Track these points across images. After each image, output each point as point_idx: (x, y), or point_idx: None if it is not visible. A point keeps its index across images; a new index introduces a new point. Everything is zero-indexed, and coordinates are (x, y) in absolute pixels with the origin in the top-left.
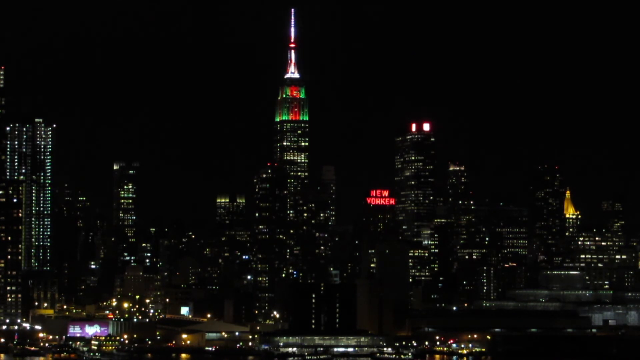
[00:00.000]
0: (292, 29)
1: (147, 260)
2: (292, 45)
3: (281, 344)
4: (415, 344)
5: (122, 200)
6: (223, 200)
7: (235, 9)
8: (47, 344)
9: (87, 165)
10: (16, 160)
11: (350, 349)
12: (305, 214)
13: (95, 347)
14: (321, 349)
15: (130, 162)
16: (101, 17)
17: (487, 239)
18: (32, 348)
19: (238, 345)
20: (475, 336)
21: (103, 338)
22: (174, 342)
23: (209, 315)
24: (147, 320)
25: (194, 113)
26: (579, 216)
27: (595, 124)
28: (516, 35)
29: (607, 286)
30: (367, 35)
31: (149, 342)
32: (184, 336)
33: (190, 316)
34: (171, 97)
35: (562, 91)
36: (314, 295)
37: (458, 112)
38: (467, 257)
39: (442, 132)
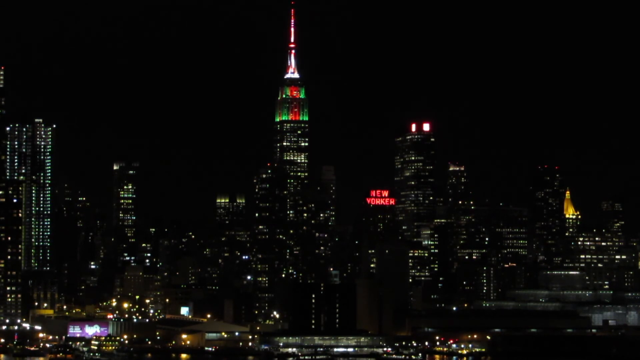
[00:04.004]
0: (292, 29)
1: (147, 260)
2: (292, 46)
3: (281, 344)
4: (415, 344)
5: (122, 200)
6: (223, 200)
7: (235, 9)
8: (47, 344)
9: (87, 165)
10: (16, 160)
11: (350, 349)
12: (305, 214)
13: (95, 347)
14: (321, 349)
15: (130, 162)
16: (101, 17)
17: (487, 239)
18: (32, 348)
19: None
20: (475, 336)
21: (103, 338)
22: (174, 342)
23: (209, 315)
24: (147, 320)
25: (194, 113)
26: (579, 216)
27: (595, 124)
28: (516, 35)
29: (607, 286)
30: (367, 35)
31: (149, 342)
32: (184, 336)
33: (190, 316)
34: (171, 97)
35: (561, 91)
36: (314, 295)
37: (458, 112)
38: (467, 257)
39: (442, 132)
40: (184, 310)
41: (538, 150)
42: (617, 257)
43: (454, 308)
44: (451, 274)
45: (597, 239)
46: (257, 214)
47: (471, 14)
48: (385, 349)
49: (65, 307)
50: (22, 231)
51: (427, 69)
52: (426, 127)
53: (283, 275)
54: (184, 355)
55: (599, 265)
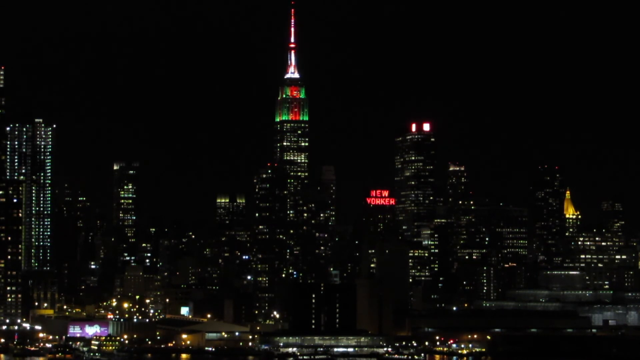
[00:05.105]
0: (292, 29)
1: (147, 260)
2: (292, 46)
3: (281, 344)
4: (415, 344)
5: (122, 200)
6: (223, 200)
7: (235, 9)
8: (47, 344)
9: (87, 165)
10: (16, 160)
11: (350, 349)
12: (305, 214)
13: (95, 347)
14: (321, 349)
15: (130, 162)
16: (101, 18)
17: (487, 239)
18: (32, 348)
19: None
20: (475, 336)
21: (103, 338)
22: (174, 342)
23: (209, 315)
24: (147, 320)
25: (194, 113)
26: (579, 216)
27: (595, 123)
28: (516, 35)
29: (607, 286)
30: (367, 35)
31: (149, 342)
32: (184, 336)
33: (190, 316)
34: (171, 97)
35: (562, 91)
36: (314, 295)
37: (458, 112)
38: (467, 257)
39: (442, 132)
40: (184, 310)
41: (538, 150)
42: (617, 257)
43: (454, 308)
44: (451, 274)
45: (597, 239)
46: (257, 214)
47: (471, 14)
48: (386, 348)
49: (65, 307)
50: (22, 231)
51: (427, 69)
52: (426, 127)
53: (283, 275)
54: (184, 355)
55: (599, 265)
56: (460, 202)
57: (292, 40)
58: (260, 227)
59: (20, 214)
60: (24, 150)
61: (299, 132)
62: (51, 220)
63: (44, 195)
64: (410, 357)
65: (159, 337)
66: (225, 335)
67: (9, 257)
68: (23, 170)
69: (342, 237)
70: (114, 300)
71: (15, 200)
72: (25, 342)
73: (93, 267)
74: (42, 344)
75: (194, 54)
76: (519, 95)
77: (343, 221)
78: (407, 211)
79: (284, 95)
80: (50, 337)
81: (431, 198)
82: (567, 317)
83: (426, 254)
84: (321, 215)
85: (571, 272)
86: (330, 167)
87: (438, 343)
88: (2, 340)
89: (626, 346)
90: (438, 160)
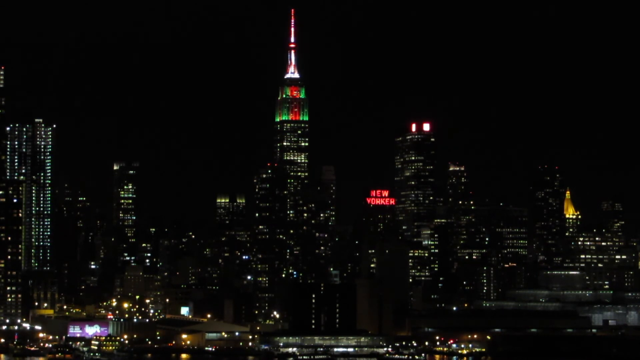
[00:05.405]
0: (292, 29)
1: (147, 260)
2: (292, 46)
3: (281, 344)
4: (415, 344)
5: (122, 200)
6: (223, 200)
7: (235, 9)
8: (47, 344)
9: (87, 165)
10: (16, 160)
11: (350, 349)
12: (305, 214)
13: (95, 347)
14: (321, 349)
15: (130, 162)
16: (101, 18)
17: (487, 239)
18: (32, 348)
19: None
20: (475, 336)
21: (103, 338)
22: (174, 342)
23: (209, 315)
24: (147, 320)
25: (194, 113)
26: (579, 216)
27: (594, 124)
28: (516, 35)
29: (607, 286)
30: (367, 35)
31: (149, 342)
32: (184, 336)
33: (190, 316)
34: (171, 97)
35: (561, 91)
36: (314, 295)
37: (458, 112)
38: (467, 257)
39: (442, 132)
40: (184, 310)
41: (538, 150)
42: (617, 257)
43: (454, 308)
44: (451, 274)
45: (597, 239)
46: (257, 214)
47: (471, 14)
48: (386, 348)
49: (65, 307)
50: (22, 231)
51: (428, 69)
52: (426, 127)
53: (283, 275)
54: (184, 355)
55: (599, 265)
56: (460, 202)
57: (292, 40)
58: (260, 227)
59: (20, 214)
60: (24, 150)
61: (299, 132)
62: (51, 220)
63: (44, 195)
64: (410, 357)
65: (159, 337)
66: (225, 335)
67: (9, 257)
68: (23, 170)
69: (342, 237)
70: (114, 300)
71: (15, 200)
72: (25, 342)
73: (93, 267)
74: (42, 344)
75: (194, 54)
76: (519, 95)
77: (343, 221)
78: (407, 211)
79: (284, 95)
80: (50, 337)
81: (431, 198)
82: (567, 317)
83: (426, 254)
84: (321, 215)
85: (571, 272)
86: (330, 167)
87: (438, 343)
88: (2, 340)
89: (626, 346)
90: (438, 160)
